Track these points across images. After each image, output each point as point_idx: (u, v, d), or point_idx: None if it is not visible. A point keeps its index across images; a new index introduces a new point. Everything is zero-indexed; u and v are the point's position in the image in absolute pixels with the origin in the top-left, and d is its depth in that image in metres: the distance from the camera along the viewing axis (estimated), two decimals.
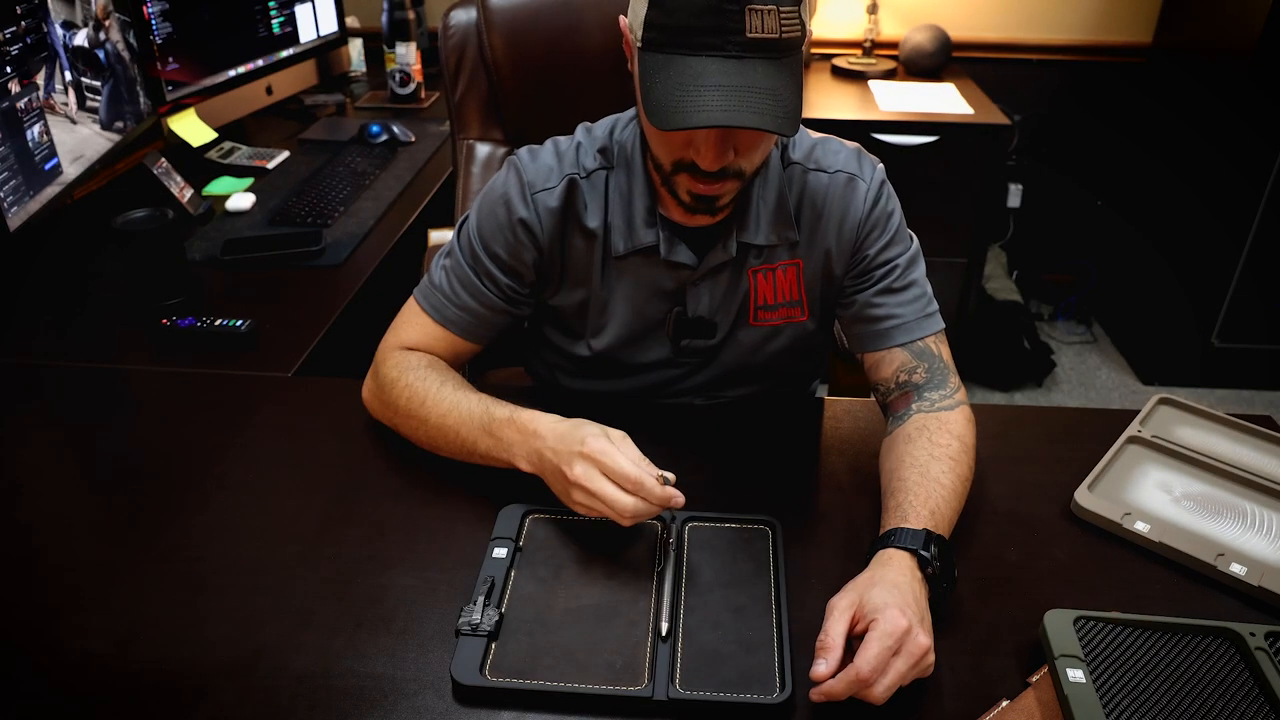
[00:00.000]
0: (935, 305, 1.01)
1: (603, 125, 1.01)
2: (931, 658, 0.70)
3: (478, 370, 1.36)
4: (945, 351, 0.99)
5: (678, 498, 0.78)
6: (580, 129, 1.02)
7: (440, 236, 1.58)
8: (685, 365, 1.06)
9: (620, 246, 0.98)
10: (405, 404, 0.94)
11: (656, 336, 1.04)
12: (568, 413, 0.86)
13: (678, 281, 1.00)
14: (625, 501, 0.77)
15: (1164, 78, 2.55)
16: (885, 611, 0.69)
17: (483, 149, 1.42)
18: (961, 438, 0.91)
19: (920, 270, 1.01)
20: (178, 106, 1.75)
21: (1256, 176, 2.25)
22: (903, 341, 0.98)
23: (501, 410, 0.89)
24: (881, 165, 1.02)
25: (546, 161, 0.99)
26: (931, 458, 0.88)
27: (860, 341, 1.01)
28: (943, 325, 1.00)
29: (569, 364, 1.11)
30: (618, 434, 0.81)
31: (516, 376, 1.32)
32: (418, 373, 0.96)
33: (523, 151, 1.01)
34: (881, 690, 0.66)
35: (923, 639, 0.69)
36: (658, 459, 0.80)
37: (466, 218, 1.03)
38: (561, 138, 1.02)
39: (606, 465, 0.78)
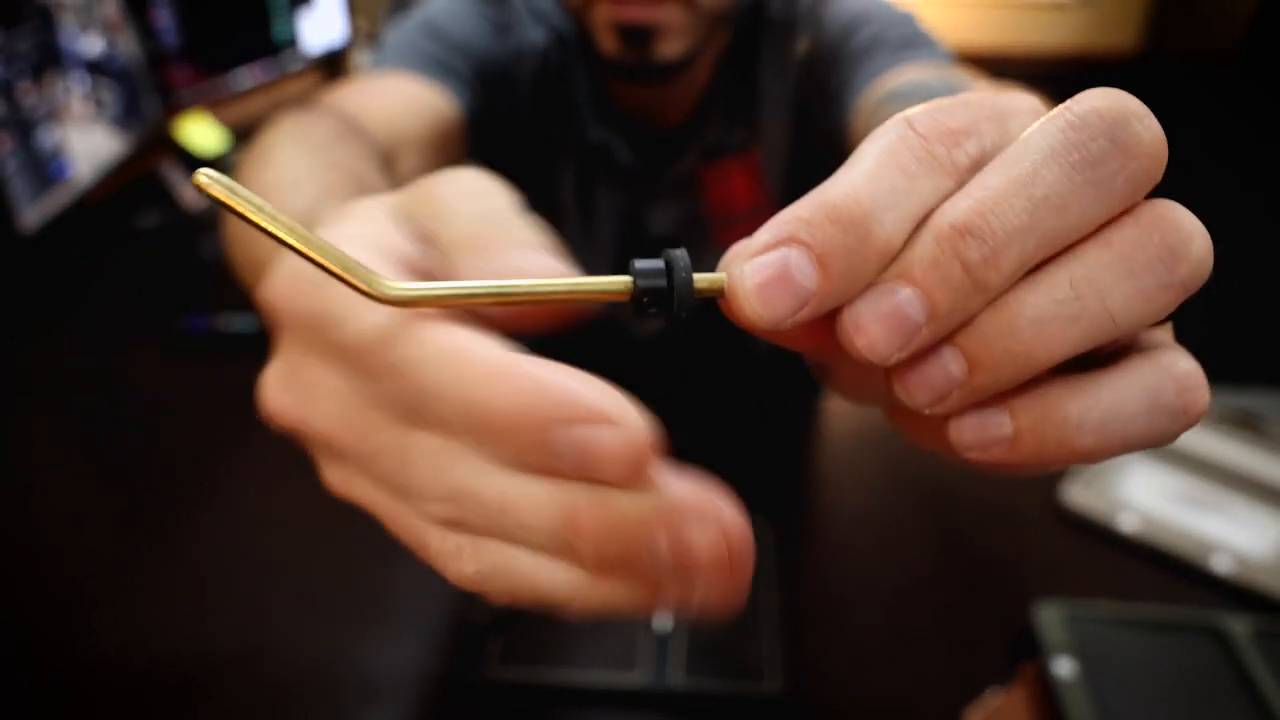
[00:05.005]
0: (923, 33, 0.68)
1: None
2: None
3: None
4: (948, 72, 0.61)
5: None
6: None
7: None
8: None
9: (568, 142, 0.79)
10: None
11: (608, 266, 0.84)
12: None
13: (634, 196, 0.82)
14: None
15: (1155, 84, 2.56)
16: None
17: None
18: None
19: (877, 10, 0.70)
20: (188, 112, 1.78)
21: (1255, 177, 2.25)
22: (861, 90, 0.64)
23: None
24: None
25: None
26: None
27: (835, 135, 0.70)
28: (941, 56, 0.66)
29: None
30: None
31: None
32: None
33: None
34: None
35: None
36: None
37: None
38: None
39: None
